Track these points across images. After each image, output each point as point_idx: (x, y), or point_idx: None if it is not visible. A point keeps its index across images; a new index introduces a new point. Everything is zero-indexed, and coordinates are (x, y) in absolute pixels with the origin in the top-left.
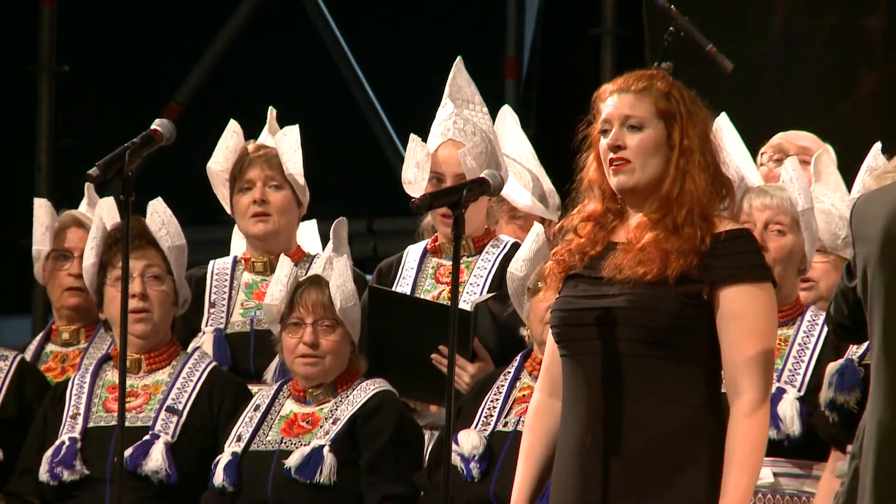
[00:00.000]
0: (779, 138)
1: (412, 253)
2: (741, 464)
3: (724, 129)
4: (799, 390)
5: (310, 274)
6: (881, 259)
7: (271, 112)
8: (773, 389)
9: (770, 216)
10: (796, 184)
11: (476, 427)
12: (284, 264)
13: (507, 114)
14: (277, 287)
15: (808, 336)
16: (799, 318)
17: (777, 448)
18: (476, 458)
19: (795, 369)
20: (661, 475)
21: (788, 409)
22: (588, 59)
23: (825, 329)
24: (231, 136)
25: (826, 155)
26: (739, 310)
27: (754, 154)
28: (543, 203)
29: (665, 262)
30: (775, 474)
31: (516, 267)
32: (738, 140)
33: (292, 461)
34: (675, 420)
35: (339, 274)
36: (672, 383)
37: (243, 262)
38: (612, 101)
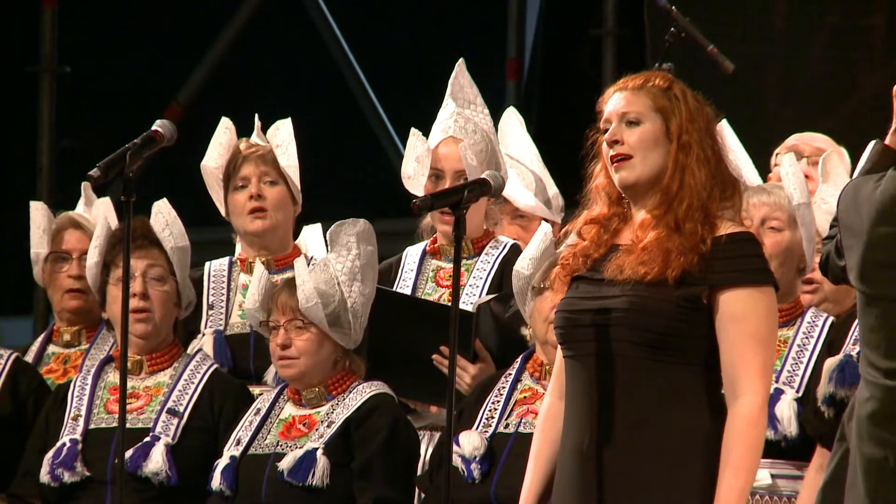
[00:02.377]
0: (794, 139)
1: (411, 255)
2: (736, 467)
3: (724, 134)
4: (797, 391)
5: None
6: (863, 271)
7: (257, 123)
8: (771, 390)
9: (766, 213)
10: (792, 179)
11: (477, 428)
12: (257, 269)
13: (512, 115)
14: (252, 292)
15: (807, 337)
16: (799, 318)
17: (774, 449)
18: (477, 459)
19: (794, 370)
20: (658, 476)
21: (786, 409)
22: (589, 60)
23: (825, 330)
24: (224, 133)
25: (835, 155)
26: (739, 313)
27: (757, 155)
28: (547, 205)
29: (666, 262)
30: (773, 476)
31: (523, 265)
32: (738, 143)
33: (285, 464)
34: (672, 422)
35: (298, 274)
36: (670, 385)
37: (239, 262)
38: (612, 100)
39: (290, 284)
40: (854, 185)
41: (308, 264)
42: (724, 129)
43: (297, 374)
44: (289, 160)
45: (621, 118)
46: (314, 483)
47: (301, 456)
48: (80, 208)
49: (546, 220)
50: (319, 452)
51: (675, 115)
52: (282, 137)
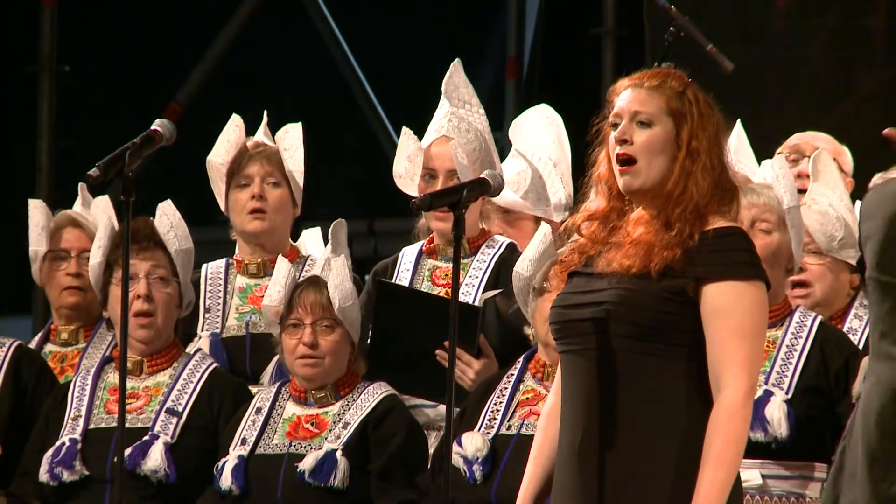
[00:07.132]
0: (796, 139)
1: (407, 255)
2: (716, 460)
3: (735, 136)
4: (787, 392)
5: (309, 274)
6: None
7: (265, 118)
8: (761, 392)
9: (756, 214)
10: (782, 182)
11: (480, 430)
12: (282, 265)
13: (542, 113)
14: (276, 288)
15: (796, 338)
16: (787, 319)
17: (765, 450)
18: (479, 460)
19: (783, 371)
20: (650, 471)
21: (776, 411)
22: (589, 60)
23: (813, 330)
24: (233, 130)
25: (825, 154)
26: (723, 306)
27: (756, 155)
28: (540, 203)
29: (649, 255)
30: (763, 476)
31: (522, 266)
32: (747, 146)
33: (306, 465)
34: (661, 416)
35: (336, 273)
36: (659, 379)
37: (235, 264)
38: (624, 95)
39: (316, 283)
40: (873, 192)
41: (301, 266)
42: (737, 131)
43: (321, 374)
44: (295, 164)
45: (633, 117)
46: (335, 484)
47: (322, 457)
48: (77, 208)
49: (540, 219)
50: (339, 454)
51: (687, 121)
52: (290, 141)
